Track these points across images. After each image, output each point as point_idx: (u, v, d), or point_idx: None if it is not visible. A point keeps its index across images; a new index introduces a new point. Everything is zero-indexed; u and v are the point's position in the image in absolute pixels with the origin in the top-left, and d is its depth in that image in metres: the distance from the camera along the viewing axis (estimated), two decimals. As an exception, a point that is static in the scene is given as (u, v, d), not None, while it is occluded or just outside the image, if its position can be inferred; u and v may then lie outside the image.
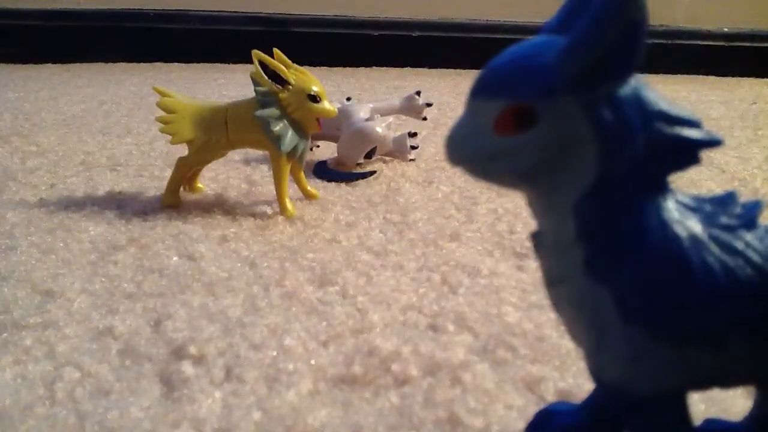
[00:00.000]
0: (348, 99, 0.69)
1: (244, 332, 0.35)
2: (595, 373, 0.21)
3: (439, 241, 0.48)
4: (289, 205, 0.53)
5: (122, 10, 1.42)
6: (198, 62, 1.43)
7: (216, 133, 0.53)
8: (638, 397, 0.20)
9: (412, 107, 0.71)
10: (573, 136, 0.18)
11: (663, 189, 0.19)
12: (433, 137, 0.82)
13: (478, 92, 0.20)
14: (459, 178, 0.65)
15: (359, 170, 0.65)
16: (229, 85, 1.19)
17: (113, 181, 0.61)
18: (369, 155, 0.66)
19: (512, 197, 0.59)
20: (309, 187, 0.57)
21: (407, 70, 1.46)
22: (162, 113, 0.53)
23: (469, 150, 0.19)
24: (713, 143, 0.19)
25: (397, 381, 0.31)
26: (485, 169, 0.20)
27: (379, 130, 0.64)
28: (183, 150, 0.55)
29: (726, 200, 0.20)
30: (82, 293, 0.39)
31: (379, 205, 0.56)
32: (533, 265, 0.44)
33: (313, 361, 0.33)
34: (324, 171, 0.64)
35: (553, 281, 0.21)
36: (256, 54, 0.51)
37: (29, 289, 0.40)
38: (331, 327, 0.36)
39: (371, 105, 0.68)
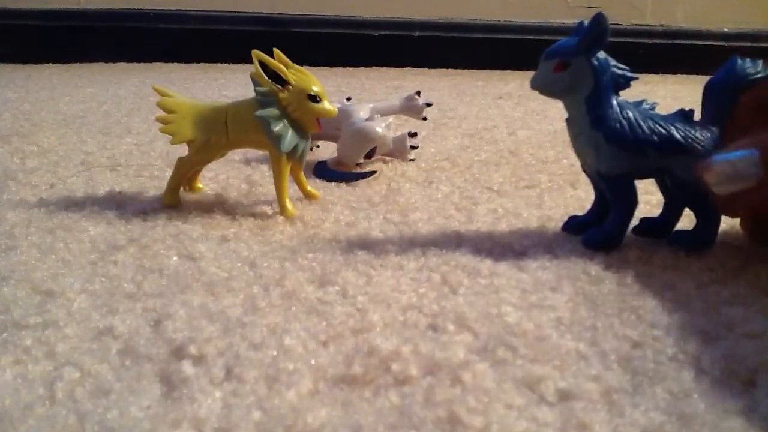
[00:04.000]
0: (348, 99, 0.69)
1: (244, 332, 0.35)
2: (597, 170, 0.46)
3: (439, 241, 0.48)
4: (289, 205, 0.53)
5: (122, 10, 1.42)
6: (198, 62, 1.43)
7: (216, 133, 0.53)
8: (611, 176, 0.46)
9: (412, 107, 0.71)
10: (582, 72, 0.45)
11: (617, 94, 0.46)
12: (433, 137, 0.82)
13: (547, 56, 0.46)
14: (459, 178, 0.65)
15: (359, 170, 0.65)
16: (229, 85, 1.19)
17: (113, 181, 0.61)
18: (369, 155, 0.66)
19: (511, 198, 0.59)
20: (309, 187, 0.57)
21: (407, 70, 1.46)
22: (162, 113, 0.53)
23: (540, 81, 0.46)
24: (633, 78, 0.46)
25: (397, 381, 0.31)
26: (548, 90, 0.46)
27: (379, 130, 0.64)
28: (183, 150, 0.55)
29: (640, 102, 0.47)
30: (82, 293, 0.39)
31: (379, 205, 0.56)
32: (533, 265, 0.44)
33: (313, 361, 0.33)
34: (324, 171, 0.64)
35: (576, 135, 0.47)
36: (256, 54, 0.51)
37: (29, 289, 0.40)
38: (331, 327, 0.36)
39: (371, 105, 0.68)
